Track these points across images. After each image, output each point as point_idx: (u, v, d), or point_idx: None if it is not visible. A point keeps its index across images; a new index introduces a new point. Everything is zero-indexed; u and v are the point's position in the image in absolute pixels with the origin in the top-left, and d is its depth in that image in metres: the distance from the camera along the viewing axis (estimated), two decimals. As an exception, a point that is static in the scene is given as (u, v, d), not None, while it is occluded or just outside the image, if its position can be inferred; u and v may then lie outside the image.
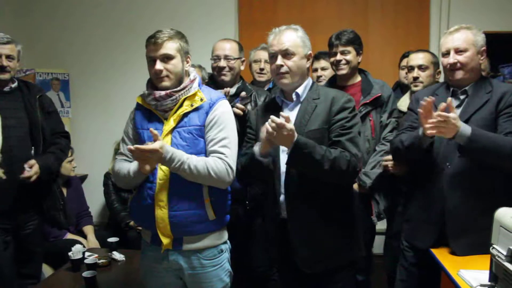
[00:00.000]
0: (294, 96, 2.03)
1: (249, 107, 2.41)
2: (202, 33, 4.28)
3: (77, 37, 4.49)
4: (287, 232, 1.99)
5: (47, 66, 4.39)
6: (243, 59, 2.69)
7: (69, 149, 2.88)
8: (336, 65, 2.71)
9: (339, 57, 2.68)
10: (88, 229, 3.68)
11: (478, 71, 2.18)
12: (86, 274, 2.41)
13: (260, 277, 2.64)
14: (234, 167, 1.93)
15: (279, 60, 1.97)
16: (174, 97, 1.91)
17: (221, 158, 1.88)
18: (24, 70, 4.11)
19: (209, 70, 3.61)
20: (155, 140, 1.78)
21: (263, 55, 3.08)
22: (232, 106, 2.36)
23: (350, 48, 2.66)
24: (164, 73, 1.91)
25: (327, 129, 1.95)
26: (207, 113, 1.92)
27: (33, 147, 2.62)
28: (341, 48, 2.66)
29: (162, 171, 1.90)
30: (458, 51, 2.11)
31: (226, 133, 1.92)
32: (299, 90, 2.02)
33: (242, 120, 2.36)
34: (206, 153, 1.93)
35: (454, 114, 1.90)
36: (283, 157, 1.94)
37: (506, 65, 3.76)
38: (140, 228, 2.83)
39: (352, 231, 2.07)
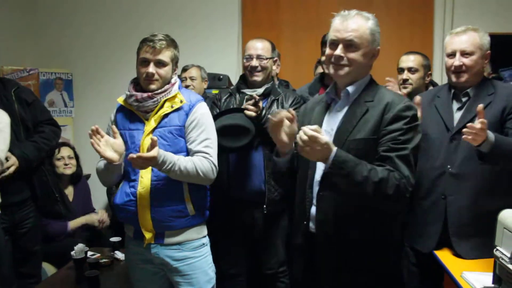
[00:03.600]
0: (342, 94, 1.76)
1: (261, 104, 2.39)
2: (206, 33, 4.29)
3: (81, 37, 4.50)
4: (313, 249, 1.76)
5: (50, 65, 4.39)
6: (275, 58, 2.66)
7: (56, 136, 2.81)
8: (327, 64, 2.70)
9: None
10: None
11: (481, 74, 2.16)
12: (89, 273, 2.42)
13: (269, 278, 2.64)
14: (217, 165, 2.04)
15: (339, 51, 1.69)
16: (155, 98, 2.01)
17: (206, 157, 1.99)
18: (27, 69, 4.11)
19: (214, 71, 3.64)
20: (153, 147, 1.84)
21: None
22: (245, 109, 2.38)
23: None
24: (155, 77, 2.00)
25: (375, 140, 1.64)
26: (187, 114, 2.02)
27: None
28: None
29: (143, 170, 1.98)
30: (464, 53, 2.08)
31: (207, 134, 2.04)
32: (351, 88, 1.73)
33: (257, 120, 2.38)
34: (187, 152, 2.02)
35: (486, 121, 1.83)
36: (321, 165, 1.68)
37: (506, 69, 3.74)
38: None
39: (391, 258, 1.78)
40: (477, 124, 1.80)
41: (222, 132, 2.31)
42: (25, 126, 2.64)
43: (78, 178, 3.66)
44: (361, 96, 1.73)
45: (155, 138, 1.86)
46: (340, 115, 1.74)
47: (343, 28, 1.69)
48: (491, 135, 1.87)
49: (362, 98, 1.72)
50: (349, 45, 1.68)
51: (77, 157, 3.65)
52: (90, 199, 3.83)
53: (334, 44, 1.72)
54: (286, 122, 1.74)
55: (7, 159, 2.41)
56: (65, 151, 3.56)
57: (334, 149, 1.55)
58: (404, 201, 1.63)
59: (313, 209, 1.75)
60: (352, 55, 1.68)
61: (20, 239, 2.65)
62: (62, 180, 3.52)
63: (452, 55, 2.12)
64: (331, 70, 1.75)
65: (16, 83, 2.81)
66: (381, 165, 1.58)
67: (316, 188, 1.74)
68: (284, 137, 1.74)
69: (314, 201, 1.74)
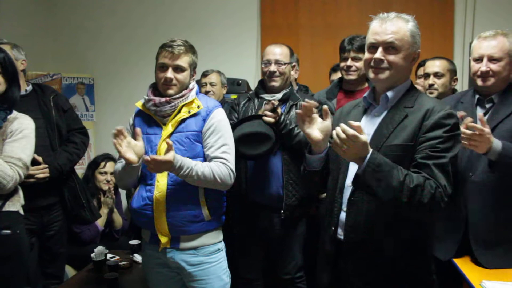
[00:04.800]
0: (381, 99, 1.69)
1: (280, 110, 2.40)
2: (224, 37, 4.33)
3: (102, 43, 4.58)
4: (341, 256, 1.71)
5: (73, 70, 4.48)
6: (293, 64, 2.67)
7: (85, 147, 2.88)
8: (346, 70, 2.71)
9: (350, 62, 2.67)
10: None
11: (507, 80, 2.11)
12: (108, 275, 2.45)
13: (286, 284, 2.64)
14: (234, 171, 2.04)
15: (379, 53, 1.63)
16: (173, 103, 2.03)
17: (223, 163, 2.00)
18: (51, 74, 4.21)
19: (233, 76, 3.67)
20: (168, 151, 1.86)
21: None
22: (263, 115, 2.39)
23: (361, 55, 2.62)
24: (173, 82, 2.02)
25: (412, 147, 1.57)
26: (204, 120, 2.04)
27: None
28: (352, 54, 2.65)
29: (160, 174, 2.00)
30: (492, 59, 2.04)
31: (224, 140, 2.04)
32: (390, 93, 1.67)
33: (276, 127, 2.38)
34: (204, 158, 2.03)
35: (488, 129, 1.83)
36: (354, 169, 1.59)
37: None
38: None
39: (423, 269, 1.67)
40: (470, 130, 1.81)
41: (241, 140, 2.33)
42: (59, 133, 2.72)
43: (115, 191, 3.62)
44: (400, 101, 1.66)
45: (170, 142, 1.87)
46: (377, 120, 1.68)
47: (382, 30, 1.63)
48: (497, 143, 1.85)
49: (401, 104, 1.65)
50: (389, 47, 1.62)
51: None
52: (121, 210, 3.76)
53: (374, 47, 1.65)
54: (318, 119, 1.71)
55: (35, 163, 2.46)
56: (109, 167, 3.54)
57: (370, 150, 1.50)
58: (436, 211, 1.53)
59: (342, 215, 1.69)
60: (392, 57, 1.62)
61: (47, 241, 2.72)
62: (98, 192, 3.52)
63: (479, 59, 2.08)
64: (371, 75, 1.68)
65: (54, 90, 2.89)
66: (418, 172, 1.52)
67: (346, 194, 1.67)
68: (318, 134, 1.69)
69: (344, 207, 1.68)
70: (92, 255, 2.73)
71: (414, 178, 1.48)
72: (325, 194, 2.63)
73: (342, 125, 1.48)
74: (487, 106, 2.11)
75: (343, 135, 1.46)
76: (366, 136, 1.49)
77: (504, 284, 1.69)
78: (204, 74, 3.46)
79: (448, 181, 1.52)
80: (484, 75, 2.06)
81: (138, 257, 2.85)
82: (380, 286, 1.64)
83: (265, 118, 2.38)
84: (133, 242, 2.98)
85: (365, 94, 1.77)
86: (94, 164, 3.59)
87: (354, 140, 1.46)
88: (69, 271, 3.13)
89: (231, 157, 2.05)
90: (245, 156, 2.40)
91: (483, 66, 2.05)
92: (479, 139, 1.83)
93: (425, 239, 1.67)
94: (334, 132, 1.51)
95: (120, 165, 2.09)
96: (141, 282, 2.52)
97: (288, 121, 2.42)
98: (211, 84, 3.40)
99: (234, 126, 2.35)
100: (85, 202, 2.83)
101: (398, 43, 1.61)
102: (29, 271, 2.36)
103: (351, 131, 1.45)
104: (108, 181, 3.51)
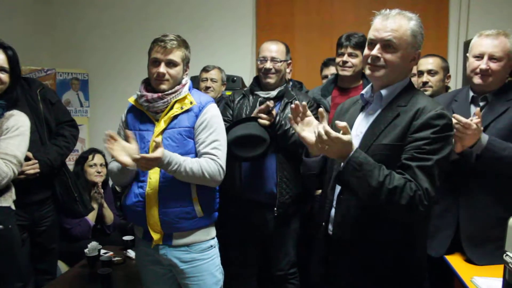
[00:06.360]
0: (375, 97, 1.67)
1: (274, 111, 2.39)
2: (220, 34, 4.33)
3: (96, 38, 4.58)
4: (330, 251, 1.73)
5: (67, 66, 4.47)
6: (289, 61, 2.65)
7: (75, 139, 2.83)
8: (341, 65, 2.72)
9: (345, 58, 2.69)
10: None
11: (503, 80, 2.10)
12: (102, 271, 2.45)
13: (279, 280, 2.66)
14: (225, 167, 2.03)
15: (376, 51, 1.59)
16: (165, 99, 2.01)
17: (213, 159, 1.98)
18: (45, 69, 4.20)
19: (228, 72, 3.66)
20: (156, 148, 1.85)
21: None
22: (258, 118, 2.37)
23: (358, 52, 2.65)
24: (166, 77, 2.00)
25: (401, 146, 1.54)
26: (196, 116, 2.02)
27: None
28: (349, 50, 2.67)
29: (152, 171, 1.99)
30: (492, 57, 2.02)
31: (216, 136, 2.02)
32: (384, 91, 1.64)
33: (271, 129, 2.38)
34: (196, 154, 2.02)
35: (475, 125, 1.84)
36: None
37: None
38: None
39: (410, 266, 1.65)
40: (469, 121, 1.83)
41: (236, 142, 2.32)
42: (48, 127, 2.68)
43: (105, 185, 3.60)
44: (395, 100, 1.63)
45: (158, 140, 1.87)
46: (371, 118, 1.66)
47: (382, 27, 1.59)
48: (485, 137, 1.87)
49: (395, 103, 1.62)
50: (387, 45, 1.58)
51: (106, 165, 3.55)
52: (113, 205, 3.71)
53: (372, 43, 1.62)
54: (314, 121, 1.68)
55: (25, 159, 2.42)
56: (97, 159, 3.51)
57: (354, 148, 1.48)
58: (417, 214, 1.49)
59: (333, 211, 1.70)
60: (389, 56, 1.59)
61: (39, 237, 2.69)
62: (90, 187, 3.48)
63: (479, 57, 2.06)
64: (367, 71, 1.66)
65: (41, 83, 2.82)
66: (402, 173, 1.49)
67: (337, 191, 1.68)
68: (313, 137, 1.58)
69: (334, 203, 1.69)
70: (86, 250, 2.73)
71: (395, 180, 1.46)
72: (320, 191, 2.66)
73: (326, 126, 1.46)
74: (481, 104, 2.11)
75: (325, 137, 1.44)
76: (349, 136, 1.47)
77: (494, 280, 1.70)
78: (206, 70, 3.44)
79: (431, 184, 1.49)
80: (483, 73, 2.04)
81: (131, 253, 2.85)
82: (369, 282, 1.64)
83: (260, 121, 2.36)
84: (127, 238, 2.99)
85: (363, 91, 1.74)
86: (82, 159, 3.54)
87: (336, 142, 1.45)
88: (62, 267, 3.13)
89: (221, 153, 2.03)
90: (239, 158, 2.39)
91: (483, 64, 2.03)
92: (462, 131, 1.85)
93: (415, 238, 1.65)
94: (316, 133, 1.48)
95: (115, 164, 2.07)
96: (135, 278, 2.53)
97: (283, 122, 2.41)
98: (212, 80, 3.39)
99: (228, 128, 2.34)
100: (77, 195, 2.80)
101: (396, 42, 1.57)
102: (21, 267, 2.36)
103: (334, 134, 1.43)
104: (99, 172, 3.47)
